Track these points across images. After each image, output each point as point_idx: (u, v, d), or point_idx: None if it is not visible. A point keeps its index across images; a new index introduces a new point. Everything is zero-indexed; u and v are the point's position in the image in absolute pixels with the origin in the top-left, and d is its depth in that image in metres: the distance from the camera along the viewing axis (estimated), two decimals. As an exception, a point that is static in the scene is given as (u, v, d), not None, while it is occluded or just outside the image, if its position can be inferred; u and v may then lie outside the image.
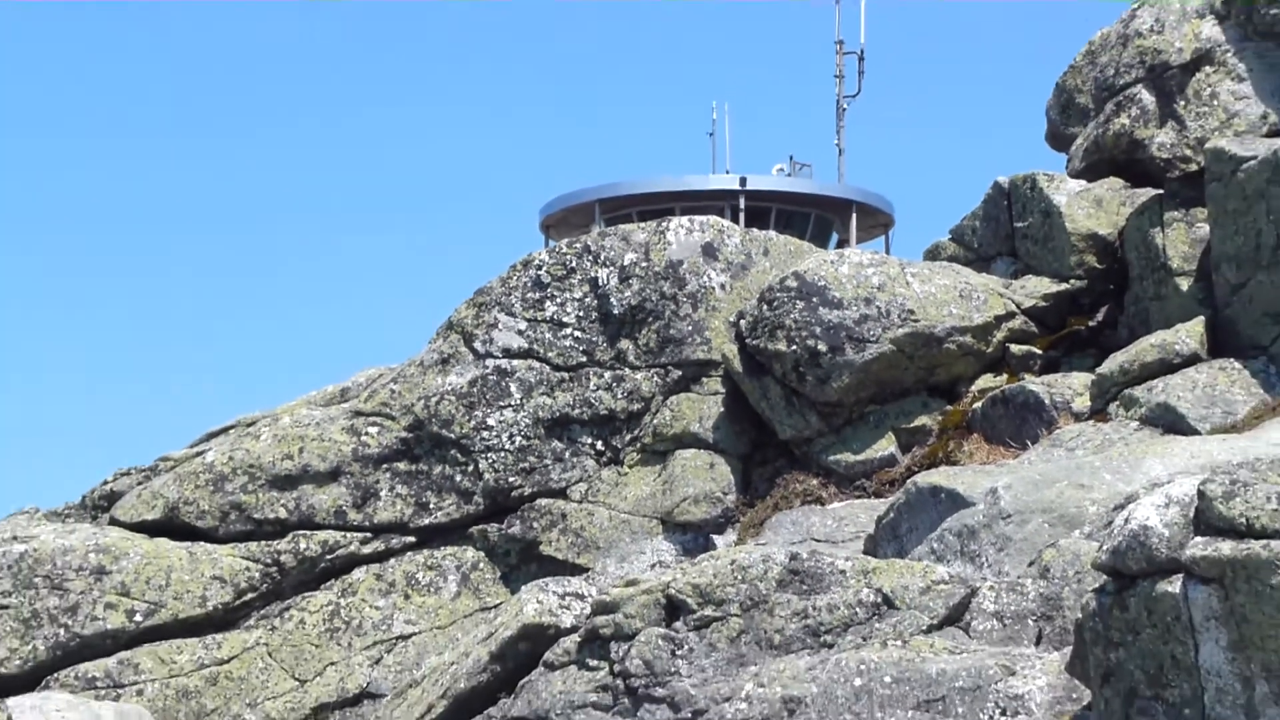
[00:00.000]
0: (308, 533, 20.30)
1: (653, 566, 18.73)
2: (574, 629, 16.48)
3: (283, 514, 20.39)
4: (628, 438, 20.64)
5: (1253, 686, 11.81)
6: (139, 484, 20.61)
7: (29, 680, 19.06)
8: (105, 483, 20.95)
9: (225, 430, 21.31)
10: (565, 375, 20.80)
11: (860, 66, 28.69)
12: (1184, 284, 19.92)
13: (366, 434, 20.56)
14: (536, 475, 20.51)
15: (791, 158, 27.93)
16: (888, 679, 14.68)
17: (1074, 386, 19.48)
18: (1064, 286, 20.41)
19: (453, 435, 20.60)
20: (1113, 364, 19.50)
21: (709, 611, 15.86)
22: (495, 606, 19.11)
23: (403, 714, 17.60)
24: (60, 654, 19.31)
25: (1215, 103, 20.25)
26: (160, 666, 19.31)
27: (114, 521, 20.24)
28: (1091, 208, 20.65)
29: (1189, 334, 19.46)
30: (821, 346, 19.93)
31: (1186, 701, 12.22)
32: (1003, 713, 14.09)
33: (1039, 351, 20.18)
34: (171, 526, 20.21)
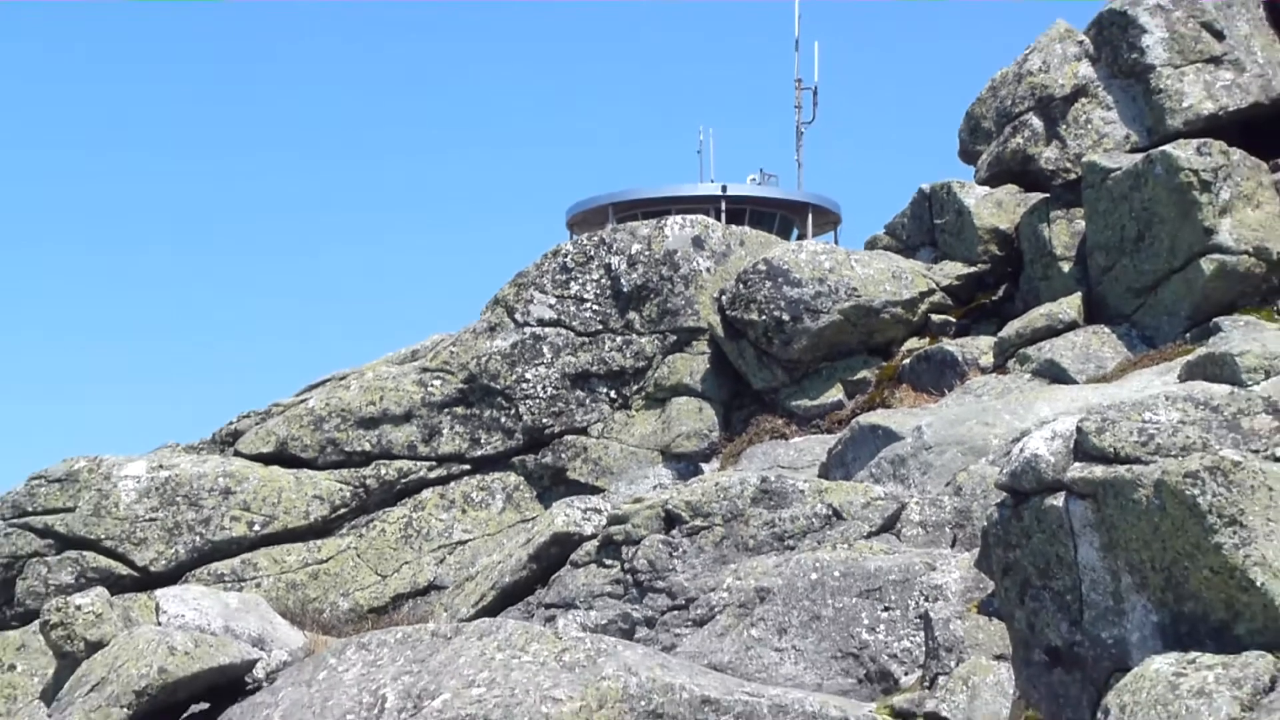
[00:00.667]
0: (387, 462, 20.88)
1: (654, 488, 18.98)
2: (593, 536, 16.87)
3: (367, 447, 20.97)
4: (635, 388, 21.10)
5: (1119, 578, 12.08)
6: (256, 424, 21.16)
7: (172, 576, 19.58)
8: (230, 423, 21.48)
9: (323, 383, 21.85)
10: (586, 339, 21.32)
11: (815, 99, 29.00)
12: (1065, 267, 20.39)
13: (432, 385, 21.13)
14: (564, 417, 21.05)
15: (761, 170, 28.27)
16: (837, 573, 15.03)
17: (981, 347, 20.05)
18: (973, 269, 20.98)
19: (498, 386, 21.13)
20: (1010, 330, 20.08)
21: (698, 522, 16.29)
22: (532, 519, 19.42)
23: (461, 601, 17.80)
24: (196, 556, 19.88)
25: (1089, 126, 20.72)
26: (273, 565, 19.94)
27: (237, 453, 20.88)
28: (994, 208, 21.16)
29: (1070, 306, 19.93)
30: (785, 317, 20.41)
31: (1067, 589, 12.48)
32: (926, 599, 14.46)
33: (954, 320, 20.77)
34: (282, 457, 20.80)
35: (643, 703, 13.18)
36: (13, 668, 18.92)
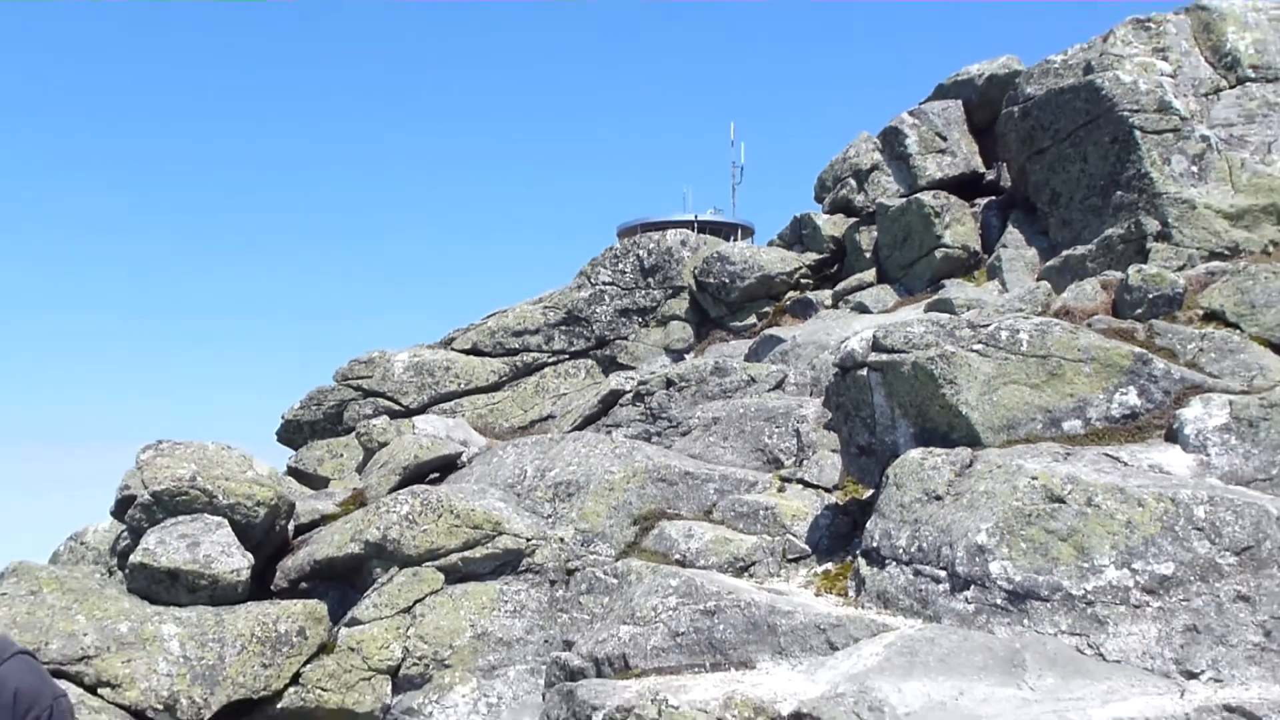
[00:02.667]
0: (526, 353, 21.32)
1: (661, 366, 19.28)
2: (630, 390, 17.23)
3: (516, 346, 21.33)
4: (651, 316, 21.42)
5: (894, 411, 12.38)
6: (460, 334, 21.53)
7: (420, 410, 19.87)
8: (448, 334, 21.80)
9: (493, 314, 21.92)
10: (625, 292, 21.65)
11: (742, 173, 29.85)
12: (867, 255, 20.42)
13: (549, 314, 21.53)
14: (615, 331, 21.42)
15: (714, 206, 29.18)
16: (753, 409, 15.35)
17: (824, 296, 20.27)
18: (822, 256, 21.25)
19: (581, 315, 21.50)
20: (840, 286, 20.32)
21: (683, 384, 16.77)
22: (599, 383, 19.63)
23: (564, 422, 17.95)
24: (431, 399, 20.36)
25: (879, 184, 20.57)
26: (470, 405, 20.22)
27: (451, 348, 21.32)
28: (831, 225, 21.36)
29: (869, 275, 19.99)
30: (726, 280, 20.76)
31: (868, 416, 12.72)
32: (797, 421, 14.72)
33: (812, 282, 20.97)
34: (475, 351, 21.12)
35: (655, 473, 13.70)
36: (340, 455, 19.96)
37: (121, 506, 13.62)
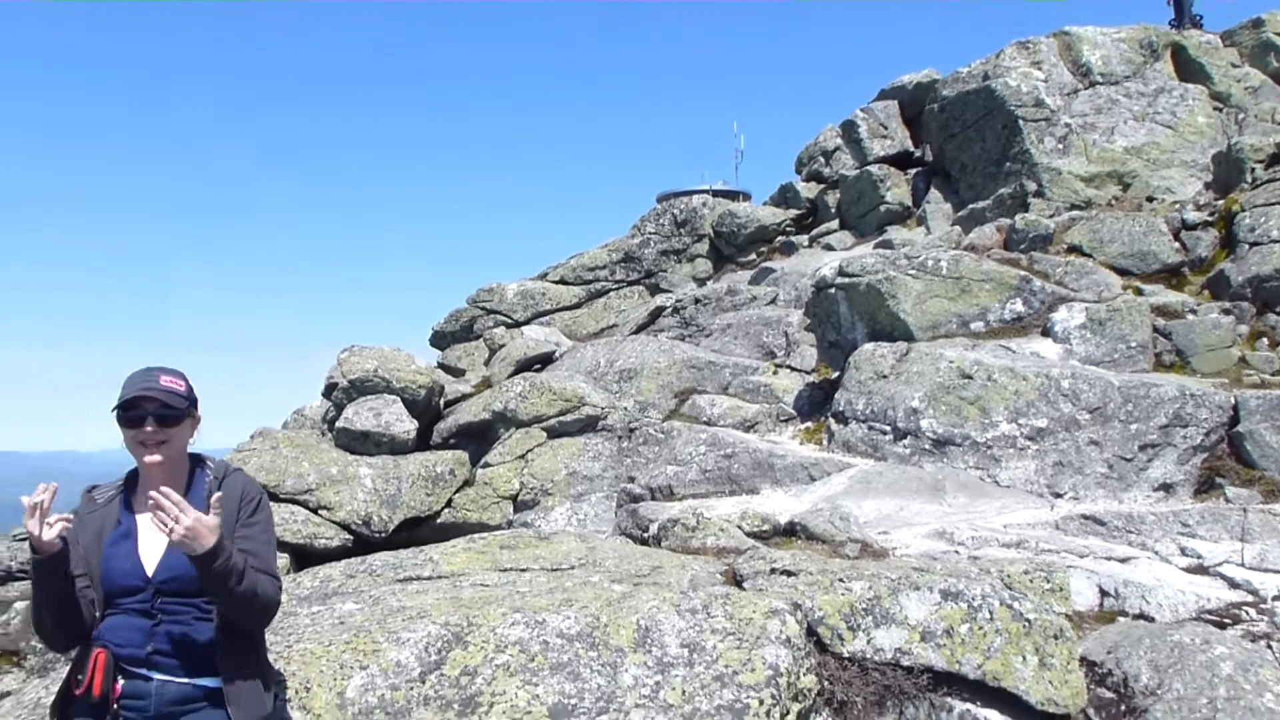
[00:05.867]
0: (596, 283, 20.76)
1: (689, 292, 17.93)
2: (668, 306, 16.73)
3: (589, 278, 20.83)
4: (682, 256, 20.74)
5: (853, 317, 12.38)
6: (553, 270, 21.01)
7: (527, 322, 19.53)
8: (544, 270, 21.29)
9: (574, 256, 21.40)
10: (664, 239, 20.97)
11: (742, 155, 29.42)
12: (833, 211, 19.97)
13: (611, 255, 20.96)
14: (658, 266, 20.71)
15: (723, 180, 28.74)
16: (755, 319, 14.96)
17: (804, 240, 19.63)
18: (800, 212, 20.57)
19: (635, 256, 20.89)
20: (813, 232, 19.69)
21: (705, 301, 16.31)
22: (647, 303, 19.10)
23: (623, 330, 17.55)
24: (532, 315, 19.89)
25: (841, 160, 20.43)
26: (560, 319, 19.75)
27: (545, 280, 20.83)
28: (807, 189, 20.72)
29: (834, 224, 19.72)
30: (735, 230, 20.32)
31: (835, 322, 12.89)
32: (786, 327, 14.16)
33: (794, 230, 20.35)
34: (562, 281, 20.60)
35: (688, 362, 13.53)
36: (472, 354, 19.87)
37: (328, 390, 13.84)
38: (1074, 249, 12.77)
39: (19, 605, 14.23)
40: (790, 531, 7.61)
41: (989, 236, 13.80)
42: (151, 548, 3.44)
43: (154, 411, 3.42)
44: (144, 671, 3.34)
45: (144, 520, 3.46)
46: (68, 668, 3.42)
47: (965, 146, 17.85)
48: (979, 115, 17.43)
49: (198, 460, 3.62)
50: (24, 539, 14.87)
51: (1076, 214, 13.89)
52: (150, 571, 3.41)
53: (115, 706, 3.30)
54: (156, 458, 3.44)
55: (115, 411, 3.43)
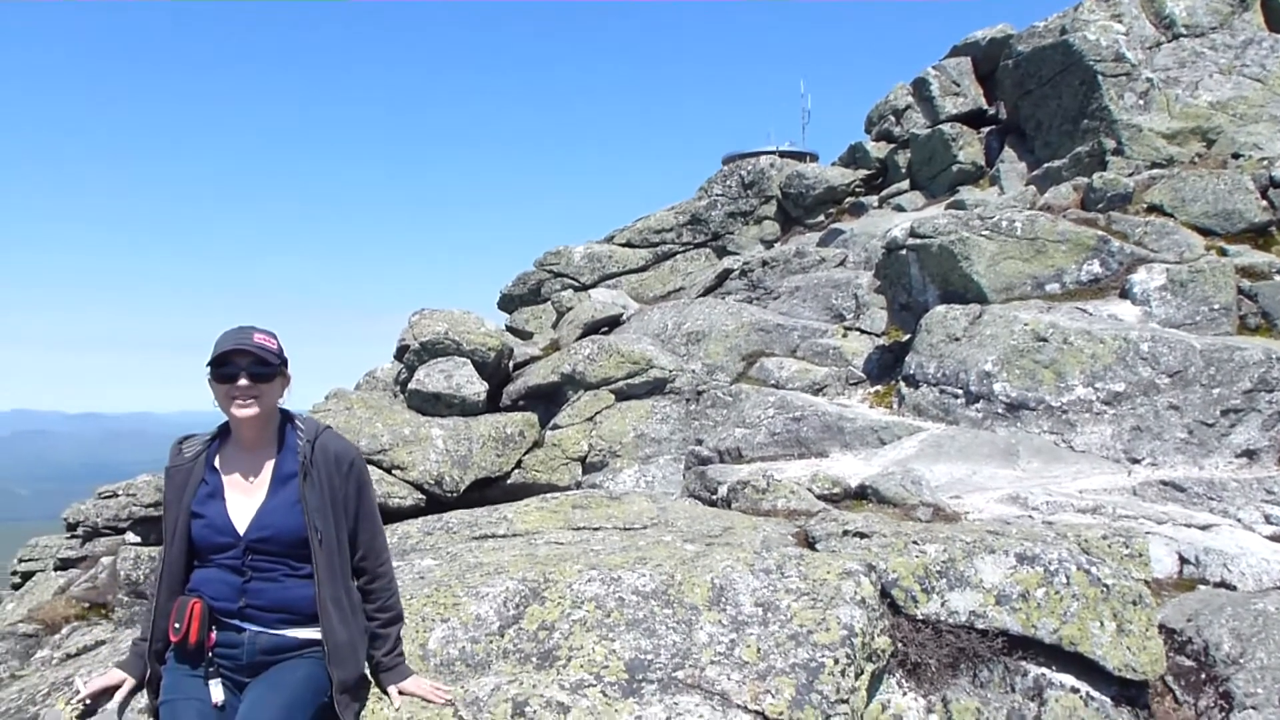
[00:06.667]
0: (663, 245, 20.72)
1: (756, 253, 18.42)
2: (736, 269, 16.73)
3: (656, 240, 20.76)
4: (749, 218, 20.61)
5: (924, 279, 12.20)
6: (619, 233, 20.94)
7: (593, 285, 19.63)
8: (610, 233, 21.22)
9: (641, 219, 21.36)
10: (732, 200, 20.80)
11: (809, 115, 28.86)
12: (904, 171, 19.75)
13: (679, 217, 20.86)
14: (725, 228, 20.61)
15: (790, 140, 28.09)
16: (823, 280, 14.83)
17: (873, 201, 19.39)
18: (870, 172, 20.30)
19: (702, 218, 20.73)
20: (883, 193, 19.54)
21: (773, 263, 16.27)
22: (714, 265, 19.24)
23: (691, 292, 17.52)
24: (599, 278, 19.97)
25: (911, 119, 20.29)
26: (627, 281, 19.81)
27: (612, 243, 20.79)
28: (877, 150, 20.42)
29: (905, 185, 19.42)
30: (802, 191, 20.13)
31: (906, 283, 12.64)
32: (855, 288, 14.02)
33: (864, 191, 20.12)
34: (628, 244, 20.58)
35: (756, 325, 13.45)
36: (540, 317, 20.04)
37: (400, 352, 14.06)
38: (1154, 209, 12.42)
39: (105, 560, 14.78)
40: (861, 495, 7.59)
41: (1065, 196, 13.48)
42: (240, 506, 3.51)
43: (247, 367, 3.46)
44: (236, 623, 3.45)
45: (231, 479, 3.55)
46: (154, 616, 3.53)
47: (1041, 103, 17.44)
48: (1056, 71, 17.01)
49: (287, 417, 3.68)
50: (108, 497, 15.40)
51: (1157, 172, 13.49)
52: (241, 530, 3.47)
53: (210, 654, 3.42)
54: (248, 412, 3.49)
55: (208, 367, 3.47)
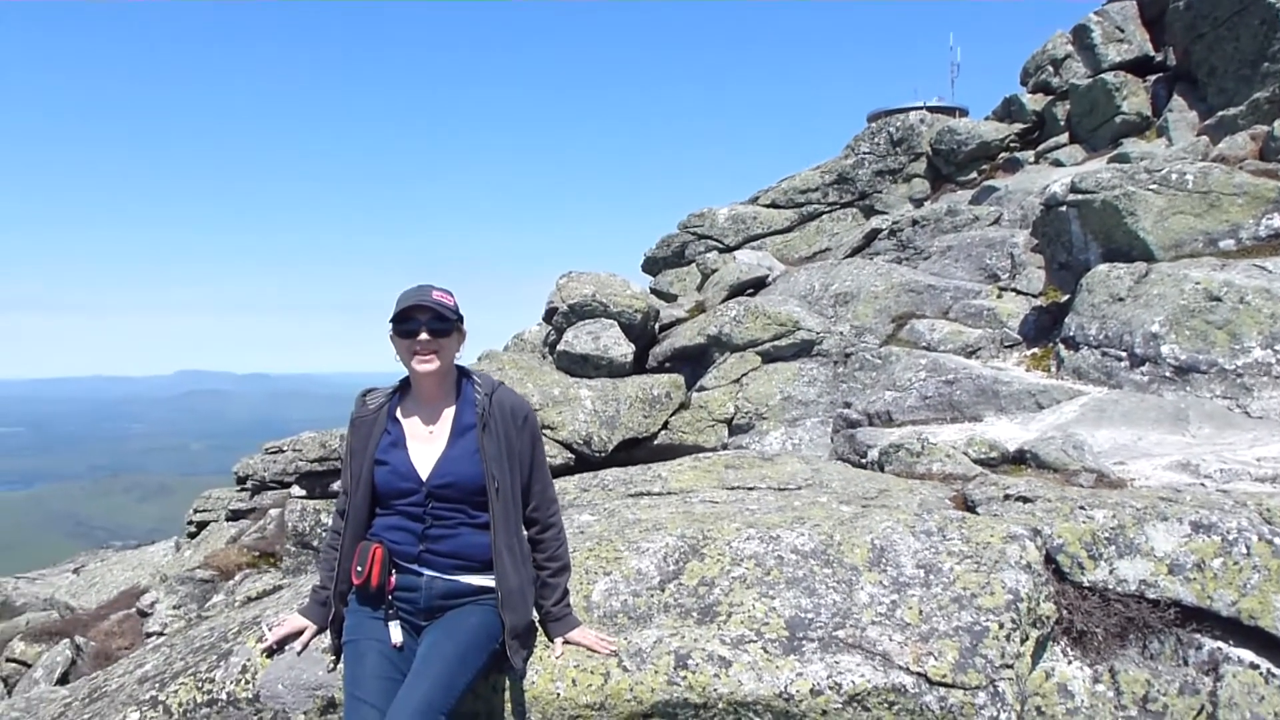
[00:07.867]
0: (809, 205, 20.25)
1: (907, 210, 17.89)
2: (884, 229, 16.27)
3: (801, 200, 20.29)
4: (898, 176, 20.04)
5: (1086, 236, 11.74)
6: (764, 193, 20.59)
7: (738, 246, 19.31)
8: (755, 194, 20.85)
9: (786, 179, 20.99)
10: (879, 159, 20.28)
11: (958, 69, 27.97)
12: (1061, 124, 19.04)
13: (823, 178, 20.41)
14: (873, 187, 20.08)
15: (939, 95, 27.30)
16: (977, 239, 14.41)
17: (1029, 156, 18.79)
18: (1026, 126, 19.62)
19: (849, 176, 20.27)
20: (1040, 148, 18.89)
21: (924, 222, 15.81)
22: (861, 225, 18.83)
23: (838, 253, 17.09)
24: (743, 239, 19.62)
25: (1072, 68, 19.48)
26: (771, 243, 19.40)
27: (757, 204, 20.40)
28: (1034, 102, 19.68)
29: (1063, 138, 18.69)
30: (954, 147, 19.52)
31: (1066, 241, 12.24)
32: (1010, 247, 13.67)
33: (1019, 145, 19.47)
34: (773, 205, 20.18)
35: (906, 285, 13.23)
36: (684, 279, 19.89)
37: (548, 314, 14.30)
38: (1344, 158, 11.63)
39: (273, 512, 15.66)
40: (1019, 459, 7.41)
41: (1242, 146, 12.74)
42: (423, 454, 3.66)
43: (427, 322, 3.60)
44: (415, 568, 3.61)
45: (411, 427, 3.70)
46: (335, 559, 3.72)
47: (1215, 47, 16.45)
48: (1232, 11, 16.03)
49: (463, 372, 3.82)
50: (275, 452, 16.28)
51: (1348, 119, 12.58)
52: (424, 476, 3.61)
53: (390, 597, 3.59)
54: (429, 366, 3.63)
55: (391, 323, 3.61)
